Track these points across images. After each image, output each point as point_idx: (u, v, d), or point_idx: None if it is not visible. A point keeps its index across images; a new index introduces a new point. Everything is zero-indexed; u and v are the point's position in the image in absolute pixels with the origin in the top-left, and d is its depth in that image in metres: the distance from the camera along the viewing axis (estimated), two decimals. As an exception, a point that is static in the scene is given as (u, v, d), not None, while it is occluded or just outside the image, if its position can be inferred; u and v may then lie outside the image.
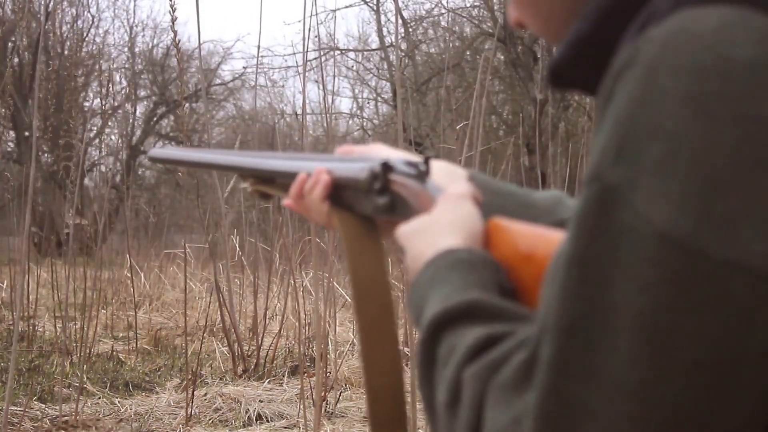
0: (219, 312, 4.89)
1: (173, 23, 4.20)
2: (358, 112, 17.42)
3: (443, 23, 14.14)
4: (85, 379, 4.41)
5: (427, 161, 0.79)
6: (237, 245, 6.42)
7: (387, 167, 0.78)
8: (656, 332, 0.47)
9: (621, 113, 0.50)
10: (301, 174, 0.86)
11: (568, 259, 0.50)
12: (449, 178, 0.80)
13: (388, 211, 0.78)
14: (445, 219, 0.71)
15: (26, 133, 15.18)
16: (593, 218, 0.50)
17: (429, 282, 0.66)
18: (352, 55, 16.17)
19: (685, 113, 0.48)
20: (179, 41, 4.32)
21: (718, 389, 0.47)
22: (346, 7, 14.69)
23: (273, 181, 0.93)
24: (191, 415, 3.92)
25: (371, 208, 0.79)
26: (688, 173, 0.47)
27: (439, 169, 0.82)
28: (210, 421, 3.97)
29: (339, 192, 0.83)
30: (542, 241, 0.67)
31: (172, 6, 4.11)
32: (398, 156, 0.82)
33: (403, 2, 14.07)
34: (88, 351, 4.80)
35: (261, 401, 4.16)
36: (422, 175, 0.77)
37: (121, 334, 6.00)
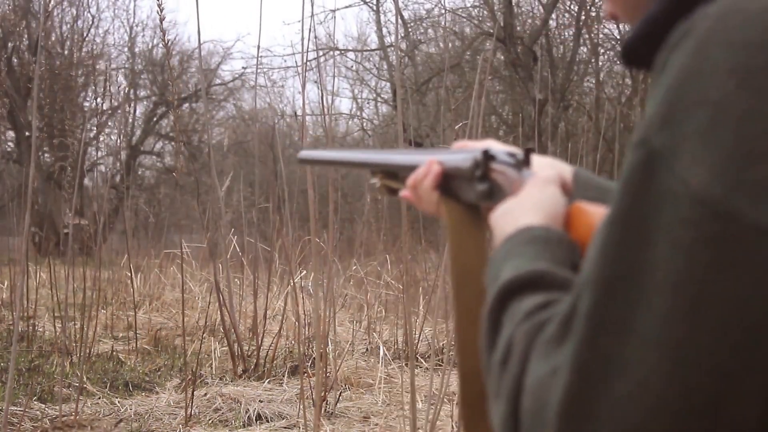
0: (219, 312, 4.88)
1: (161, 23, 4.20)
2: (358, 112, 17.41)
3: (443, 23, 14.13)
4: (85, 379, 4.41)
5: (527, 152, 0.83)
6: (235, 245, 6.42)
7: (488, 156, 0.82)
8: (689, 291, 0.49)
9: (671, 82, 0.53)
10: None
11: (611, 218, 0.53)
12: (552, 170, 0.83)
13: (487, 197, 0.82)
14: (529, 200, 0.75)
15: (26, 133, 15.18)
16: (637, 181, 0.52)
17: (505, 255, 0.70)
18: (351, 55, 16.16)
19: (730, 84, 0.51)
20: (169, 41, 4.32)
21: (746, 349, 0.48)
22: (346, 7, 14.70)
23: (397, 176, 0.99)
24: (191, 415, 3.92)
25: (473, 195, 0.84)
26: (726, 141, 0.50)
27: (544, 162, 0.86)
28: (210, 421, 3.97)
29: (448, 182, 0.88)
30: None
31: (159, 6, 4.10)
32: (503, 148, 0.87)
33: (402, 2, 14.07)
34: (88, 351, 4.80)
35: (261, 401, 4.16)
36: (519, 164, 0.81)
37: (121, 334, 6.00)
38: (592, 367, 0.51)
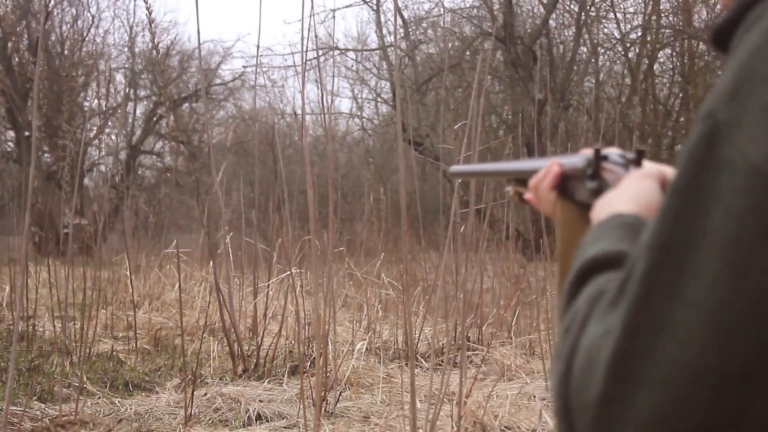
0: (219, 312, 4.88)
1: (150, 24, 4.21)
2: (358, 112, 17.41)
3: (443, 23, 14.13)
4: (85, 378, 4.41)
5: (639, 153, 0.85)
6: (234, 245, 6.42)
7: (599, 154, 0.85)
8: (736, 257, 0.51)
9: (742, 59, 0.55)
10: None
11: (673, 187, 0.56)
12: (654, 168, 0.85)
13: (597, 195, 0.84)
14: (625, 191, 0.78)
15: (26, 133, 15.17)
16: (700, 151, 0.54)
17: (594, 238, 0.72)
18: (351, 54, 16.16)
19: None
20: (159, 43, 4.33)
21: None
22: (346, 6, 14.71)
23: (526, 182, 1.03)
24: (191, 414, 3.92)
25: (585, 193, 0.86)
26: None
27: (659, 168, 0.87)
28: (210, 421, 3.97)
29: (565, 182, 0.91)
30: None
31: (148, 9, 4.10)
32: (617, 151, 0.89)
33: (402, 2, 14.07)
34: (88, 351, 4.80)
35: (261, 401, 4.16)
36: (628, 164, 0.84)
37: (121, 334, 6.00)
38: (641, 327, 0.53)
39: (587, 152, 0.96)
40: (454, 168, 1.32)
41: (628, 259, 0.65)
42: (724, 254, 0.51)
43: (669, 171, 0.90)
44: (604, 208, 0.77)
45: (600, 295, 0.60)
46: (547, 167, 0.94)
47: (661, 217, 0.55)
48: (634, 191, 0.77)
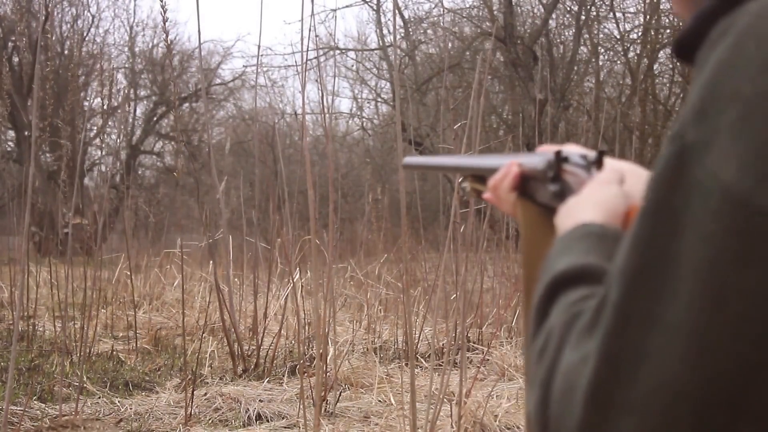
0: (219, 312, 4.89)
1: (165, 23, 4.21)
2: (358, 111, 17.41)
3: (442, 23, 14.13)
4: (85, 378, 4.41)
5: (600, 154, 0.84)
6: (231, 245, 6.42)
7: (560, 156, 0.84)
8: (713, 282, 0.50)
9: (708, 77, 0.54)
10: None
11: (643, 210, 0.54)
12: (633, 177, 0.84)
13: (559, 198, 0.83)
14: (589, 198, 0.76)
15: (26, 133, 15.17)
16: (671, 174, 0.53)
17: (560, 250, 0.71)
18: (351, 54, 16.17)
19: (763, 80, 0.51)
20: (171, 41, 4.33)
21: (764, 341, 0.49)
22: (346, 6, 14.70)
23: (485, 180, 1.01)
24: (191, 414, 3.92)
25: (547, 195, 0.85)
26: (756, 136, 0.50)
27: (620, 167, 0.86)
28: (210, 421, 3.97)
29: (525, 183, 0.90)
30: None
31: (163, 7, 4.11)
32: (578, 151, 0.88)
33: (402, 2, 14.07)
34: (88, 351, 4.80)
35: (261, 401, 4.16)
36: (590, 166, 0.83)
37: (121, 334, 6.00)
38: (619, 355, 0.52)
39: (546, 150, 0.94)
40: (408, 159, 1.30)
41: (597, 276, 0.64)
42: (700, 279, 0.50)
43: (629, 169, 0.88)
44: (569, 216, 0.76)
45: (574, 319, 0.59)
46: (506, 168, 0.92)
47: (632, 242, 0.54)
48: (598, 198, 0.76)
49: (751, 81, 0.52)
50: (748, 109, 0.51)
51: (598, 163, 0.83)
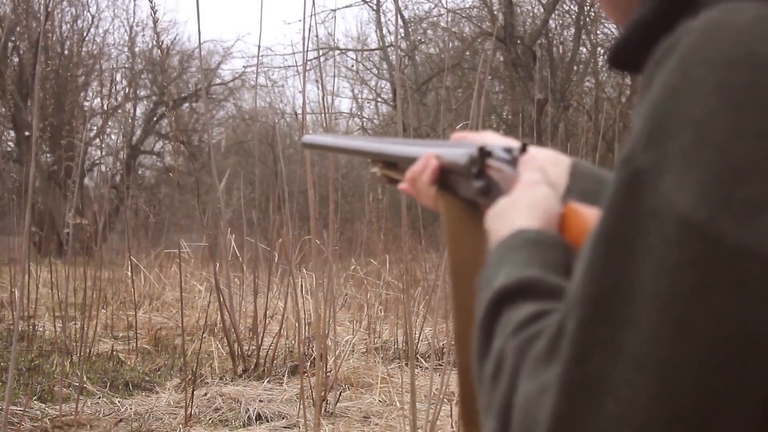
0: (219, 312, 4.89)
1: (155, 24, 4.20)
2: (358, 112, 17.42)
3: (443, 23, 14.14)
4: (85, 378, 4.41)
5: (524, 147, 0.82)
6: (234, 245, 6.42)
7: (484, 152, 0.81)
8: (675, 312, 0.49)
9: (656, 100, 0.52)
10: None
11: (596, 237, 0.53)
12: (553, 167, 0.82)
13: (484, 194, 0.81)
14: (521, 201, 0.74)
15: (26, 133, 15.18)
16: (622, 200, 0.52)
17: (498, 260, 0.69)
18: (351, 54, 16.17)
19: (714, 103, 0.50)
20: (170, 41, 4.33)
21: (733, 371, 0.48)
22: (346, 6, 14.70)
23: (396, 166, 0.98)
24: (191, 414, 3.92)
25: (470, 191, 0.83)
26: (711, 161, 0.49)
27: (540, 155, 0.84)
28: (210, 421, 3.97)
29: (446, 176, 0.87)
30: None
31: (152, 8, 4.10)
32: (501, 143, 0.85)
33: (402, 2, 14.08)
34: (88, 351, 4.79)
35: (261, 401, 4.16)
36: (515, 160, 0.80)
37: (121, 334, 6.00)
38: (579, 387, 0.51)
39: (461, 138, 0.92)
40: (307, 138, 1.24)
41: (541, 290, 0.62)
42: (660, 309, 0.49)
43: (562, 160, 0.86)
44: (501, 221, 0.73)
45: (527, 344, 0.57)
46: (424, 160, 0.88)
47: (588, 269, 0.52)
48: (530, 200, 0.73)
49: (702, 104, 0.50)
50: (700, 133, 0.50)
51: (521, 155, 0.80)
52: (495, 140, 0.88)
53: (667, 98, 0.52)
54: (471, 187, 0.82)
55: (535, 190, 0.74)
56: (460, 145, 0.87)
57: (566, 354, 0.52)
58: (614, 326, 0.50)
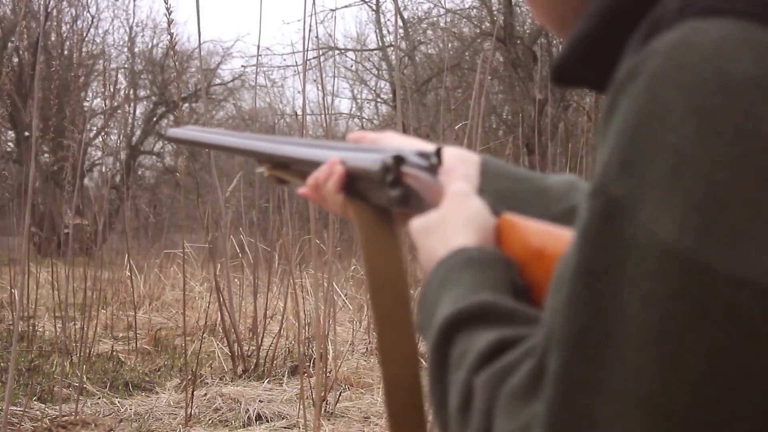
0: (219, 312, 4.89)
1: (169, 25, 4.20)
2: (358, 112, 17.42)
3: (442, 24, 14.14)
4: (85, 379, 4.41)
5: (438, 152, 0.78)
6: (236, 245, 6.42)
7: (399, 160, 0.77)
8: (662, 345, 0.47)
9: (625, 127, 0.50)
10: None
11: (573, 271, 0.50)
12: (463, 166, 0.79)
13: (402, 204, 0.77)
14: (454, 216, 0.71)
15: (26, 133, 15.18)
16: (598, 231, 0.50)
17: (441, 282, 0.66)
18: (351, 55, 16.17)
19: (688, 128, 0.48)
20: (176, 42, 4.34)
21: (725, 402, 0.47)
22: (346, 6, 14.70)
23: (288, 167, 0.93)
24: (191, 415, 3.92)
25: (385, 199, 0.79)
26: (691, 188, 0.47)
27: (452, 156, 0.81)
28: (210, 421, 3.97)
29: (353, 182, 0.82)
30: (552, 237, 0.67)
31: (168, 8, 4.11)
32: (411, 146, 0.82)
33: (402, 2, 14.07)
34: (88, 351, 4.79)
35: (261, 401, 4.16)
36: (434, 168, 0.77)
37: (121, 334, 6.00)
38: (565, 426, 0.49)
39: (360, 140, 0.87)
40: (173, 131, 1.13)
41: (499, 314, 0.60)
42: (648, 343, 0.47)
43: (470, 158, 0.82)
44: (435, 238, 0.70)
45: (500, 380, 0.55)
46: (328, 166, 0.83)
47: (566, 305, 0.50)
48: (464, 215, 0.70)
49: (676, 130, 0.48)
50: (677, 160, 0.48)
51: (440, 164, 0.77)
52: (402, 142, 0.84)
53: (638, 125, 0.49)
54: (385, 195, 0.78)
55: (467, 203, 0.72)
56: (365, 149, 0.83)
57: (550, 393, 0.50)
58: (599, 363, 0.49)
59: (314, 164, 0.86)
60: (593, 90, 0.64)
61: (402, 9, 14.06)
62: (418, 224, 0.73)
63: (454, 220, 0.70)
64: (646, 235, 0.48)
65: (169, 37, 4.34)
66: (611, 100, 0.52)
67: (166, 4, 4.09)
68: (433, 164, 0.77)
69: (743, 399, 0.47)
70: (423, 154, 0.78)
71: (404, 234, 0.81)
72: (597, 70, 0.59)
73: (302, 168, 0.89)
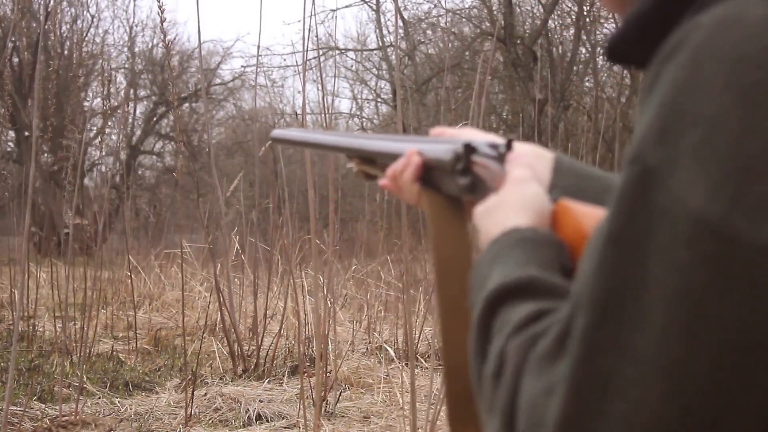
0: (219, 312, 4.89)
1: (162, 24, 4.20)
2: (358, 112, 17.43)
3: (442, 24, 14.14)
4: (85, 378, 4.41)
5: (509, 143, 0.81)
6: (237, 245, 6.42)
7: (469, 148, 0.80)
8: (687, 311, 0.48)
9: (665, 97, 0.51)
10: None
11: (605, 236, 0.52)
12: (536, 161, 0.81)
13: (470, 192, 0.80)
14: (512, 199, 0.73)
15: (26, 133, 15.18)
16: (632, 198, 0.51)
17: (492, 259, 0.68)
18: (351, 54, 16.18)
19: (726, 101, 0.49)
20: (170, 41, 4.34)
21: (746, 370, 0.48)
22: (346, 6, 14.70)
23: (374, 162, 0.97)
24: (191, 415, 3.92)
25: (455, 188, 0.81)
26: (724, 159, 0.48)
27: (525, 151, 0.83)
28: (210, 421, 3.97)
29: (428, 173, 0.85)
30: None
31: (160, 7, 4.10)
32: (484, 138, 0.84)
33: (402, 2, 14.07)
34: (88, 351, 4.79)
35: (261, 401, 4.16)
36: (502, 157, 0.79)
37: (121, 334, 6.00)
38: (588, 387, 0.50)
39: (441, 134, 0.90)
40: (277, 132, 1.19)
41: (542, 289, 0.61)
42: (673, 308, 0.48)
43: (544, 155, 0.84)
44: (492, 219, 0.72)
45: (530, 343, 0.56)
46: (406, 157, 0.87)
47: (597, 269, 0.52)
48: (521, 198, 0.72)
49: (714, 101, 0.49)
50: (712, 130, 0.49)
51: (506, 153, 0.79)
52: (477, 136, 0.87)
53: (678, 94, 0.51)
54: (456, 183, 0.81)
55: (525, 187, 0.74)
56: (442, 141, 0.86)
57: (575, 353, 0.51)
58: (624, 326, 0.50)
59: (396, 157, 0.90)
60: (639, 69, 0.65)
61: (402, 9, 14.06)
62: (480, 208, 0.76)
63: (511, 203, 0.72)
64: (677, 203, 0.49)
65: (162, 36, 4.33)
66: (656, 70, 0.53)
67: (159, 3, 4.08)
68: (501, 154, 0.80)
69: (761, 367, 0.48)
70: (494, 145, 0.81)
71: (473, 226, 0.83)
72: (649, 49, 0.60)
73: (386, 162, 0.93)
